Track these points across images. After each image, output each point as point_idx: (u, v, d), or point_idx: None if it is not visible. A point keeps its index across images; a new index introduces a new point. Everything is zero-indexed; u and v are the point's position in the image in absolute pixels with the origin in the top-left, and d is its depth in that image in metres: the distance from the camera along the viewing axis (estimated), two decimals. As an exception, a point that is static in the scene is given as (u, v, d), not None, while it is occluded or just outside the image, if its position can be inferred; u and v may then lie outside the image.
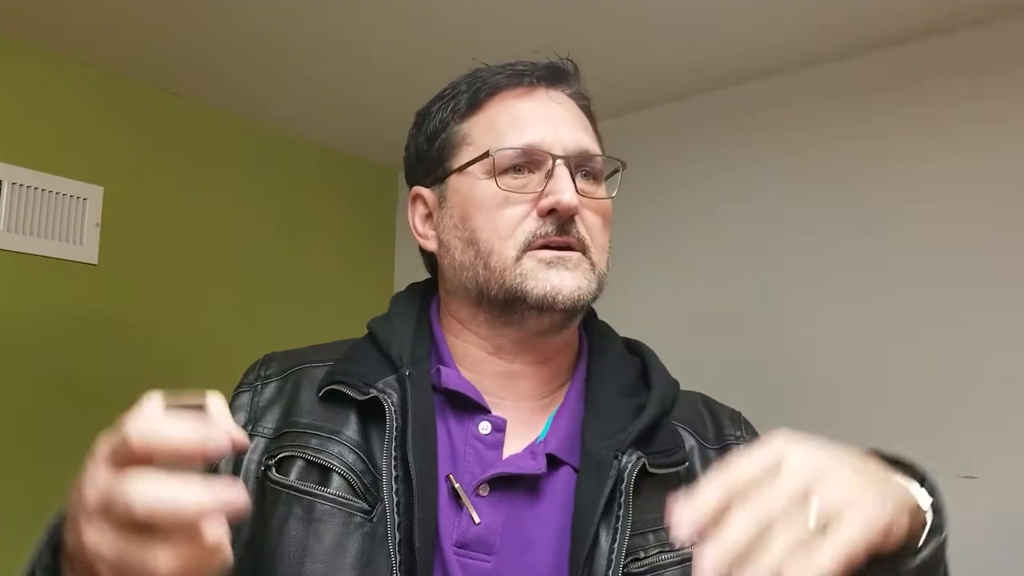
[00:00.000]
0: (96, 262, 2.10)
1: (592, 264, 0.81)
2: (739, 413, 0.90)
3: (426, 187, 0.87)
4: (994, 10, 1.79)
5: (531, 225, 0.79)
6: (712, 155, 2.25)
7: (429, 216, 0.87)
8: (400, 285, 0.93)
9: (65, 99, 2.10)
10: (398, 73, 2.16)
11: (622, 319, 0.96)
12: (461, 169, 0.82)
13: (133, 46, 2.04)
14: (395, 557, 0.71)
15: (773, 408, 1.91)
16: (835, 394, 1.93)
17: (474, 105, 0.84)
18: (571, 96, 0.86)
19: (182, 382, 2.32)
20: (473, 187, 0.81)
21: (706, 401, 0.91)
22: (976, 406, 1.74)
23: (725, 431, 0.87)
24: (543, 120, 0.81)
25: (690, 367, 1.02)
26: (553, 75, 0.85)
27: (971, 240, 1.80)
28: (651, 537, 0.75)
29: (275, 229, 2.56)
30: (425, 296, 0.90)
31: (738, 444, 0.85)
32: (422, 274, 0.94)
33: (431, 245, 0.87)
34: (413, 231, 0.88)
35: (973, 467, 1.72)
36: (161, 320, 2.22)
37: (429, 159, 0.86)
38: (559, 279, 0.77)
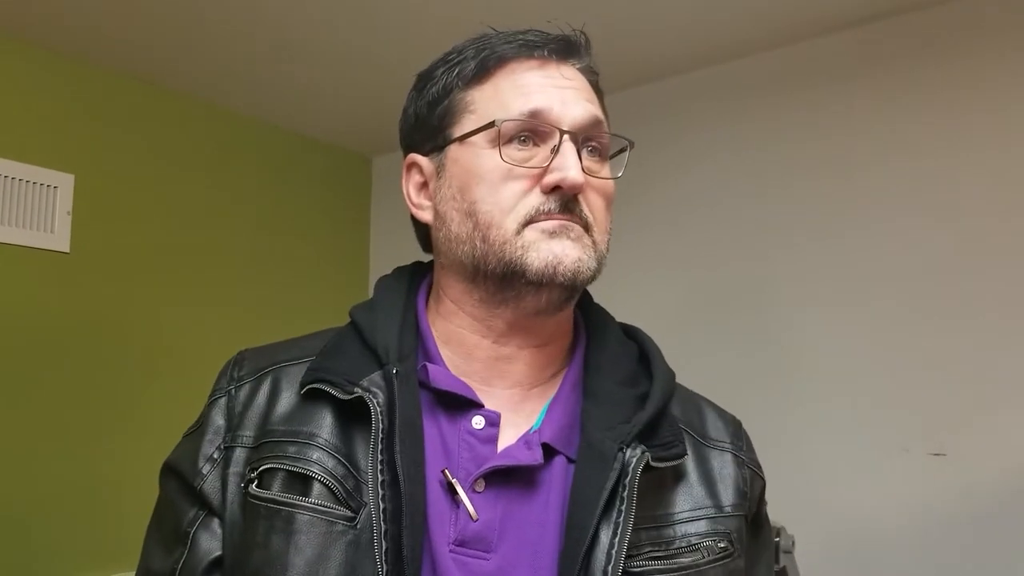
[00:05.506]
0: (68, 250, 2.08)
1: (594, 242, 0.77)
2: (739, 422, 0.88)
3: (423, 155, 0.83)
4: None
5: (534, 200, 0.75)
6: (709, 136, 2.23)
7: (424, 185, 0.83)
8: (375, 273, 0.91)
9: (36, 87, 2.07)
10: (373, 61, 2.15)
11: (612, 309, 0.93)
12: (463, 139, 0.78)
13: (104, 34, 2.01)
14: (382, 567, 0.67)
15: (759, 393, 1.96)
16: (819, 379, 1.96)
17: (481, 73, 0.79)
18: (581, 71, 0.82)
19: (153, 371, 2.32)
20: (475, 158, 0.77)
21: (708, 402, 0.88)
22: (949, 390, 1.78)
23: (724, 435, 0.84)
24: (552, 93, 0.77)
25: (680, 358, 1.01)
26: (564, 48, 0.81)
27: (950, 235, 1.83)
28: (643, 535, 0.72)
29: (249, 217, 2.54)
30: (412, 281, 0.86)
31: (737, 455, 0.83)
32: (397, 262, 0.90)
33: (426, 216, 0.83)
34: (407, 200, 0.84)
35: (943, 445, 1.76)
36: (133, 308, 2.20)
37: (428, 126, 0.82)
38: (561, 248, 0.74)
